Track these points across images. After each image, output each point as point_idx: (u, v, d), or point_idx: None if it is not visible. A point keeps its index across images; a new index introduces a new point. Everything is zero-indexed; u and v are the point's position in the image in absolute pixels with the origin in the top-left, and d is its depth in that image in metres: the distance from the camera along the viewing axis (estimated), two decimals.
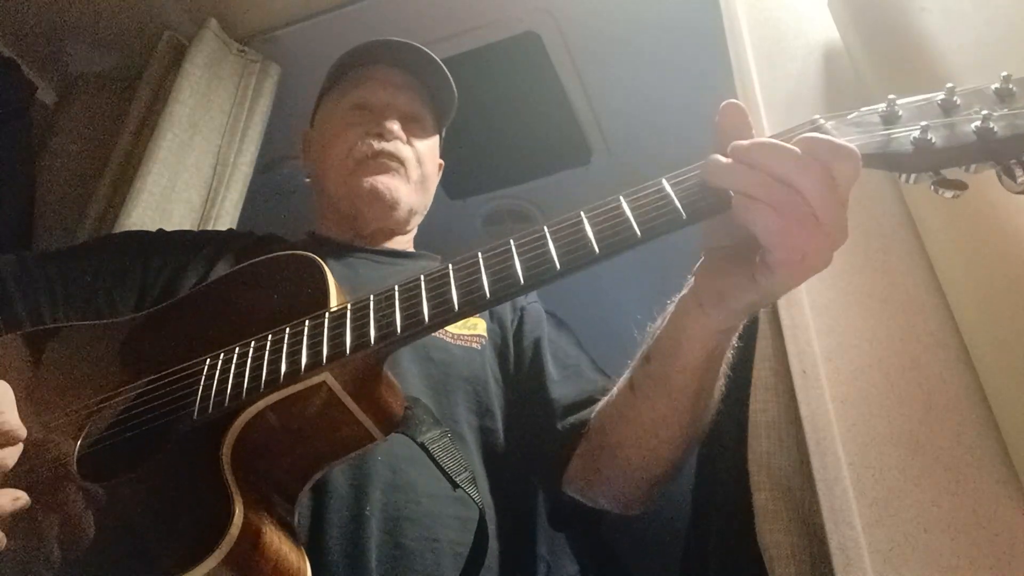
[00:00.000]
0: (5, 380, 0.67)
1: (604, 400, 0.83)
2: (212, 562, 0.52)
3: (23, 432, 0.63)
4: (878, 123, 0.56)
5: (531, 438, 0.91)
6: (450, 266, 0.61)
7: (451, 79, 1.18)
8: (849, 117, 0.58)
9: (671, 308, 0.69)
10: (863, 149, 0.53)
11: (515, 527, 0.89)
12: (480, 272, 0.59)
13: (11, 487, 0.61)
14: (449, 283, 0.60)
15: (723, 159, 0.55)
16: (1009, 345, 0.68)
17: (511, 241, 0.60)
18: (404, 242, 1.16)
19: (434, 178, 1.19)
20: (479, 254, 0.61)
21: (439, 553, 0.77)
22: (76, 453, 0.66)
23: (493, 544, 0.82)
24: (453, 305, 0.58)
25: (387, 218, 1.09)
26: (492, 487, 0.87)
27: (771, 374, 0.80)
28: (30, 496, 0.61)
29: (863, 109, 0.58)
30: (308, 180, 1.19)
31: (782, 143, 0.53)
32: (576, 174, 2.21)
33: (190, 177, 1.56)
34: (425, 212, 1.18)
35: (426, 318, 0.58)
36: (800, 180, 0.52)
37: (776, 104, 1.01)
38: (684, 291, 0.67)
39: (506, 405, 0.94)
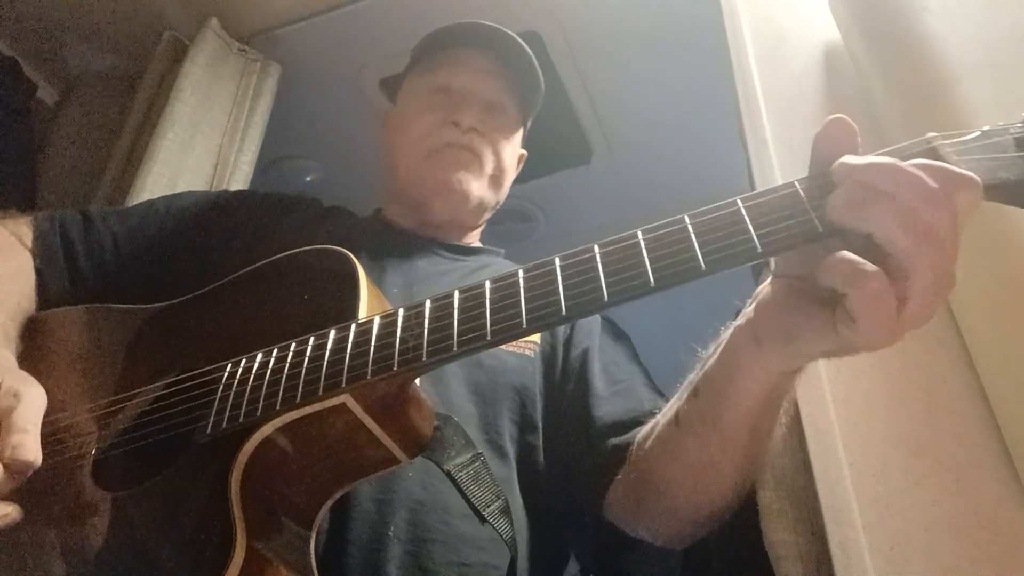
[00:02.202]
0: (37, 364, 0.64)
1: (648, 426, 0.76)
2: None
3: (38, 462, 0.58)
4: (1011, 145, 0.46)
5: (571, 457, 0.84)
6: (487, 284, 0.56)
7: (538, 68, 1.12)
8: (969, 137, 0.47)
9: (725, 337, 0.60)
10: (989, 178, 0.44)
11: (549, 551, 0.83)
12: (519, 295, 0.54)
13: (28, 484, 0.58)
14: (484, 306, 0.55)
15: (852, 193, 0.44)
16: (1010, 345, 0.68)
17: (556, 261, 0.54)
18: (471, 236, 1.12)
19: (512, 172, 1.13)
20: (520, 273, 0.55)
21: None
22: (93, 455, 0.65)
23: (524, 567, 0.77)
24: (486, 332, 0.53)
25: (455, 212, 1.04)
26: (528, 506, 0.81)
27: None
28: (41, 498, 0.59)
29: (988, 128, 0.48)
30: (381, 158, 1.14)
31: (904, 166, 0.44)
32: (577, 174, 2.21)
33: (191, 176, 1.56)
34: (497, 206, 1.12)
35: (455, 345, 0.54)
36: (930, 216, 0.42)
37: (778, 105, 1.01)
38: (740, 320, 0.58)
39: (548, 419, 0.87)
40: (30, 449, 0.56)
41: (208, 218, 0.99)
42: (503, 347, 0.86)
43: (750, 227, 0.47)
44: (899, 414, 0.73)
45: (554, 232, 2.41)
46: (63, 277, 0.89)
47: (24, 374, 0.65)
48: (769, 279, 0.54)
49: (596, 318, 0.96)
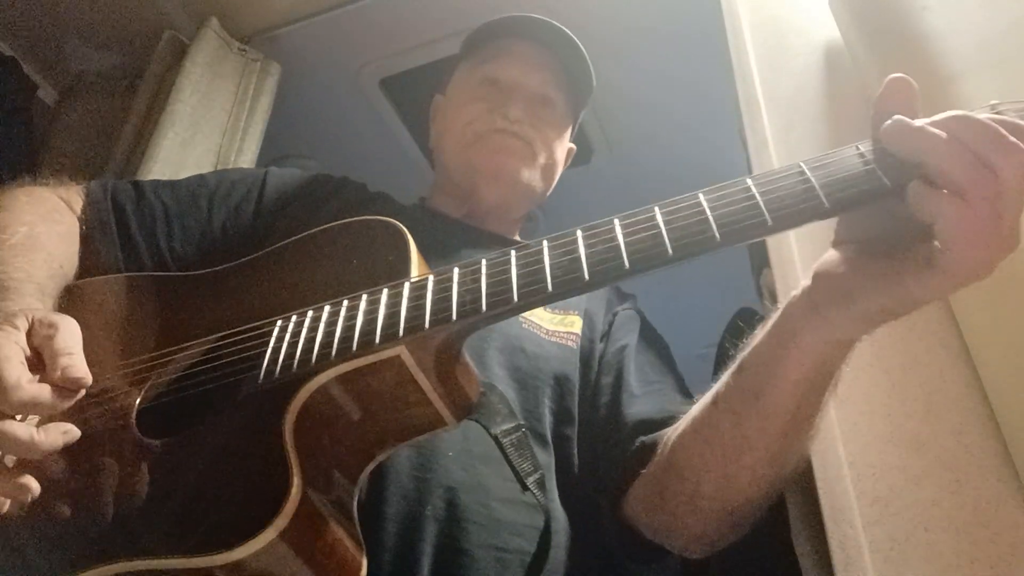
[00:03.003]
0: (81, 324, 0.64)
1: (680, 419, 0.74)
2: (271, 534, 0.50)
3: (89, 379, 0.59)
4: None
5: (598, 452, 0.83)
6: (544, 242, 0.56)
7: (589, 62, 1.11)
8: None
9: (777, 312, 0.59)
10: None
11: (588, 544, 0.81)
12: (579, 250, 0.54)
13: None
14: (543, 260, 0.55)
15: (911, 121, 0.46)
16: (1010, 343, 0.68)
17: (616, 221, 0.54)
18: (515, 229, 1.12)
19: (560, 166, 1.12)
20: (578, 232, 0.56)
21: (505, 563, 0.71)
22: (137, 405, 0.65)
23: (561, 557, 0.76)
24: (546, 285, 0.53)
25: (504, 196, 1.04)
26: (563, 499, 0.81)
27: None
28: (86, 445, 0.59)
29: None
30: (432, 148, 1.15)
31: (981, 117, 0.45)
32: (577, 173, 2.20)
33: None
34: (543, 200, 1.12)
35: (515, 296, 0.53)
36: (1003, 164, 0.43)
37: (778, 103, 1.01)
38: (796, 291, 0.57)
39: (581, 414, 0.87)
40: (79, 368, 0.58)
41: (257, 194, 0.99)
42: (546, 336, 0.88)
43: (816, 185, 0.48)
44: (899, 413, 0.73)
45: (554, 232, 2.41)
46: (114, 245, 0.89)
47: (55, 312, 0.65)
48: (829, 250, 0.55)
49: (635, 319, 0.96)
